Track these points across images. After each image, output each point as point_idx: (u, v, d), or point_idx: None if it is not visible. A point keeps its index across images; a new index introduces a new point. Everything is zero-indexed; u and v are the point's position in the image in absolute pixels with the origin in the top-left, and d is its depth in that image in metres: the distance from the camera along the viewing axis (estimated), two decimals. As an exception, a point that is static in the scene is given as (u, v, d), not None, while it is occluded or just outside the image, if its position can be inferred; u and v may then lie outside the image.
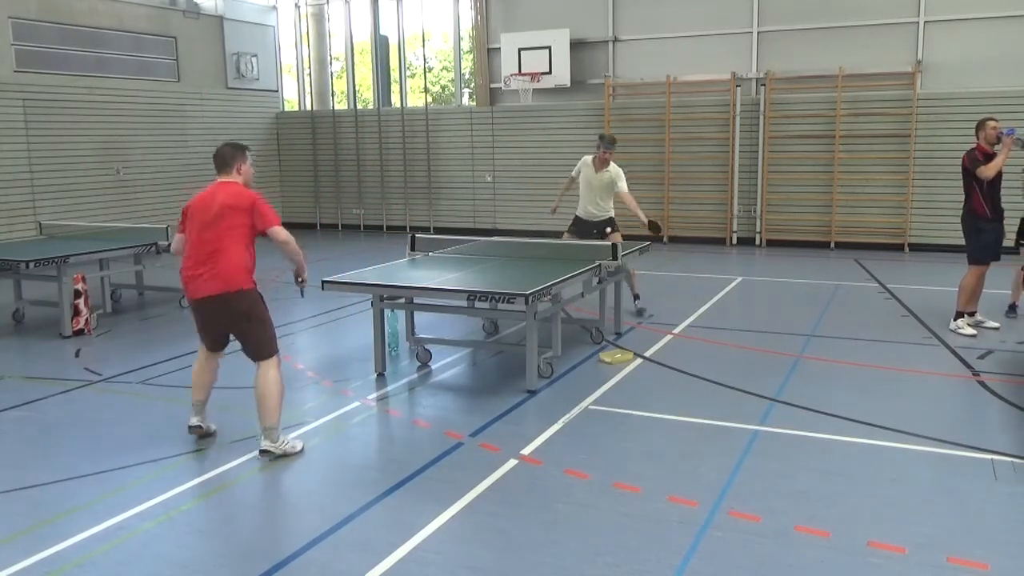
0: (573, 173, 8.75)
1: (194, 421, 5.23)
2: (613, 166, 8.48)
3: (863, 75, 13.22)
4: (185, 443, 5.21)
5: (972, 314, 7.85)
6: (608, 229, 8.51)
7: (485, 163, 15.84)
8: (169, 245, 9.00)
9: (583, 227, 8.63)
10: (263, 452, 4.95)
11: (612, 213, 8.64)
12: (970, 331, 7.63)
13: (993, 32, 12.65)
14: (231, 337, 5.21)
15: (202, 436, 5.27)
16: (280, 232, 4.99)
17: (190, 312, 5.33)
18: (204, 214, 5.02)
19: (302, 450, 5.07)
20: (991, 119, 7.64)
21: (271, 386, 4.98)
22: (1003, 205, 7.73)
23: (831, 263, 12.20)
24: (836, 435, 5.25)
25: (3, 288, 9.11)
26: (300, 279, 5.31)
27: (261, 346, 5.07)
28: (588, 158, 8.57)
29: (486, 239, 8.88)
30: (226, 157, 5.11)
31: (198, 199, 5.11)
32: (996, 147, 7.48)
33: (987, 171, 7.39)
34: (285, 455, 4.97)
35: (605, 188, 8.48)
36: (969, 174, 7.57)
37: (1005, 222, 7.81)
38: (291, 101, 19.15)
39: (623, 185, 8.43)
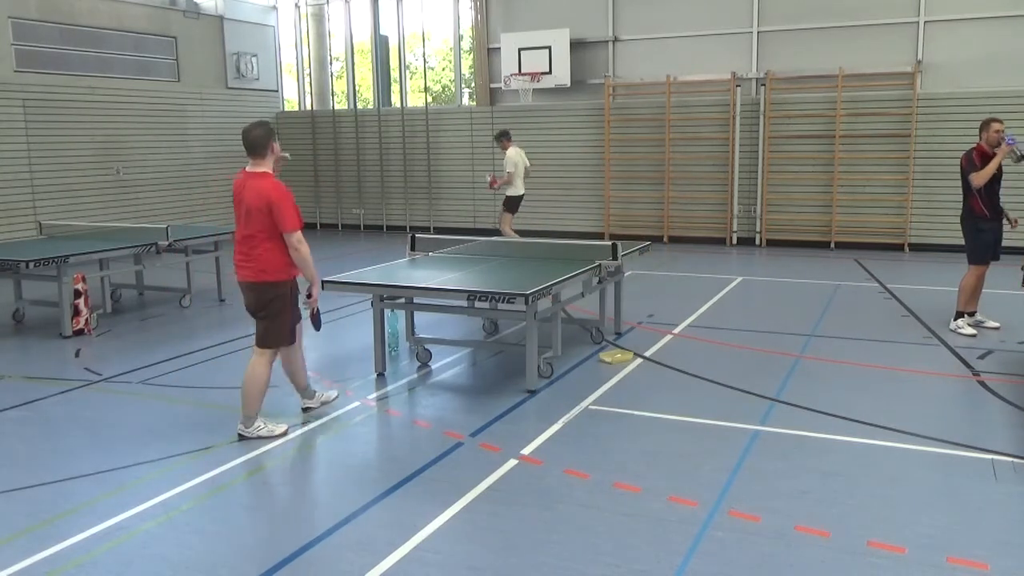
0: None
1: (304, 404, 5.76)
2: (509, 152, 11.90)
3: (863, 75, 13.22)
4: (185, 443, 5.21)
5: (972, 314, 7.85)
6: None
7: (485, 163, 15.83)
8: (169, 244, 9.08)
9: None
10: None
11: (508, 192, 11.96)
12: (970, 331, 7.63)
13: (993, 32, 12.64)
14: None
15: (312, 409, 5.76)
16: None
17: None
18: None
19: (284, 433, 5.35)
20: (996, 120, 7.51)
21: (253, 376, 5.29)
22: (1003, 204, 7.73)
23: (831, 263, 12.20)
24: (836, 435, 5.25)
25: (3, 288, 9.11)
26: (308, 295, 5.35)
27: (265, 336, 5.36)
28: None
29: (486, 239, 8.88)
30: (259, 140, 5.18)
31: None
32: (997, 149, 7.46)
33: (977, 179, 7.44)
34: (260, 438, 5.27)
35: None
36: (966, 174, 7.57)
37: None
38: (291, 101, 19.16)
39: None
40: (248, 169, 5.19)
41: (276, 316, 5.25)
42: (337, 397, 5.99)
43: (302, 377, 5.69)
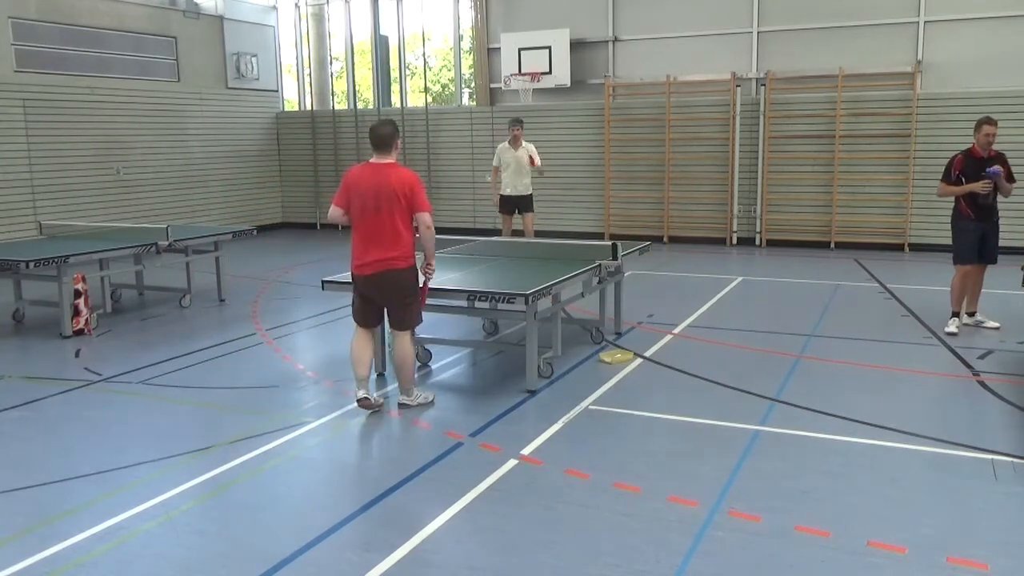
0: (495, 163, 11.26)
1: (360, 393, 5.72)
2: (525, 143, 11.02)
3: (863, 75, 13.22)
4: (185, 443, 5.21)
5: (972, 314, 7.85)
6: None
7: (485, 163, 15.82)
8: (169, 244, 9.08)
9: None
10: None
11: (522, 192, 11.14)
12: (952, 329, 7.63)
13: (993, 32, 12.64)
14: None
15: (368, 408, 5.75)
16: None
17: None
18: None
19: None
20: (989, 123, 7.40)
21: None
22: (1001, 205, 7.72)
23: (831, 263, 12.20)
24: (836, 435, 5.25)
25: (3, 288, 9.11)
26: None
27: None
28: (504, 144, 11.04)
29: (486, 239, 8.88)
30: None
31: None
32: (985, 177, 7.40)
33: (940, 191, 7.69)
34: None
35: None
36: (949, 173, 7.61)
37: (1007, 222, 7.80)
38: (291, 101, 19.16)
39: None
40: (374, 161, 5.57)
41: (415, 299, 5.74)
42: (382, 405, 5.88)
43: (367, 364, 5.82)
